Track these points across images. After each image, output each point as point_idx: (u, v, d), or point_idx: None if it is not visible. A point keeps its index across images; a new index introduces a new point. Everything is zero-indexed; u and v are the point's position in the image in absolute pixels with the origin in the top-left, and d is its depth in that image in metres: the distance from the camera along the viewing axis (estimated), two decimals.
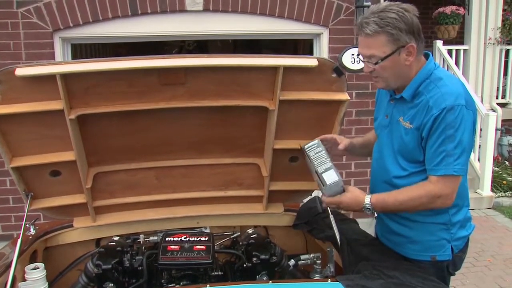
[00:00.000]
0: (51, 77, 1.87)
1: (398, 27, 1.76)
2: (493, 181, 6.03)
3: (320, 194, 2.10)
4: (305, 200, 2.65)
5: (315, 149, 2.00)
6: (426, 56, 1.91)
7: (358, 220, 2.45)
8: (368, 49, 1.82)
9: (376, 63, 1.82)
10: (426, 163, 1.85)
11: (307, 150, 2.02)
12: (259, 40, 8.15)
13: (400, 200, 1.85)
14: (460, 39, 7.18)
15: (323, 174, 1.89)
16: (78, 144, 2.12)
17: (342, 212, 2.25)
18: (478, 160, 6.02)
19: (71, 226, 2.47)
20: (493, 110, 6.69)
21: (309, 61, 2.05)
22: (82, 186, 2.26)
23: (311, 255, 2.31)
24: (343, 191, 1.91)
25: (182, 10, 4.74)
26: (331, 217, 2.21)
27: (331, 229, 2.16)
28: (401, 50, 1.79)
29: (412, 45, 1.79)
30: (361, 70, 5.06)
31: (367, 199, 1.87)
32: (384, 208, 1.90)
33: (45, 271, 2.04)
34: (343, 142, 2.14)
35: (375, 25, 1.76)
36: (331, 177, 1.88)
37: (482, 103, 6.63)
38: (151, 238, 2.45)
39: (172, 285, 2.11)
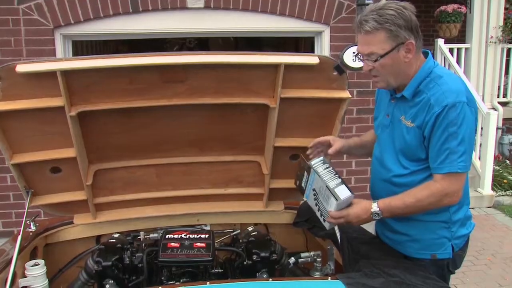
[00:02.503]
0: (51, 74, 1.87)
1: (397, 24, 1.76)
2: (493, 180, 6.02)
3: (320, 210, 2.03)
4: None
5: (322, 165, 1.97)
6: (425, 55, 1.91)
7: None
8: (368, 47, 1.82)
9: (375, 61, 1.82)
10: (430, 162, 1.84)
11: (314, 166, 1.98)
12: (260, 37, 8.13)
13: (407, 203, 1.84)
14: (461, 37, 7.16)
15: (335, 189, 1.86)
16: (79, 141, 2.12)
17: None
18: (479, 158, 6.01)
19: (72, 223, 2.47)
20: (494, 109, 6.69)
21: (310, 59, 2.05)
22: (82, 183, 2.27)
23: (311, 253, 2.32)
24: (351, 204, 1.89)
25: (183, 7, 4.73)
26: None
27: None
28: (400, 47, 1.79)
29: (411, 41, 1.79)
30: (362, 68, 5.05)
31: (374, 206, 1.86)
32: (392, 212, 1.88)
33: (45, 267, 2.05)
34: (334, 145, 2.11)
35: (374, 22, 1.76)
36: (343, 191, 1.85)
37: (483, 102, 6.62)
38: (151, 235, 2.45)
39: (172, 282, 2.11)
